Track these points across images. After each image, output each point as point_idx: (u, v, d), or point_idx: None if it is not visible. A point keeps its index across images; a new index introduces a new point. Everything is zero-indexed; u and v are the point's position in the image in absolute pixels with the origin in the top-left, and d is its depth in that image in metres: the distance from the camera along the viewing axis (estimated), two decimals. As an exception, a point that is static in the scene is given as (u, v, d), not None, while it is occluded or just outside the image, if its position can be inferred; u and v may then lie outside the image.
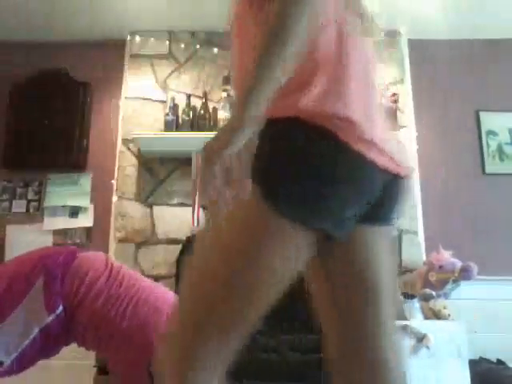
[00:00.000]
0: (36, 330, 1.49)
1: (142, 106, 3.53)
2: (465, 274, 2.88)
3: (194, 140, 3.05)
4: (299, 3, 0.81)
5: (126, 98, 3.55)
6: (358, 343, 0.99)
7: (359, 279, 0.99)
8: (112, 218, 3.38)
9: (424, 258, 3.22)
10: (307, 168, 0.83)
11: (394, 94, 3.36)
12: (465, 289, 2.96)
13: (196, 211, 2.85)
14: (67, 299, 1.51)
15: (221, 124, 3.21)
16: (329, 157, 0.83)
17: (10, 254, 3.18)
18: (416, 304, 2.79)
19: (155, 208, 3.35)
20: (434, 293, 2.83)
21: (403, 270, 3.22)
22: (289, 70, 0.83)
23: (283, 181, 0.83)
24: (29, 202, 3.45)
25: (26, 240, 3.29)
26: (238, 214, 0.86)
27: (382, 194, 0.92)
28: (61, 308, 1.50)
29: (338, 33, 0.93)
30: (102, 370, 2.68)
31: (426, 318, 2.79)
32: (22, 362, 1.52)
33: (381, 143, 0.89)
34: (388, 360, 0.99)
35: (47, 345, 1.54)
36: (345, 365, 1.01)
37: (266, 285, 0.85)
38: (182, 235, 3.19)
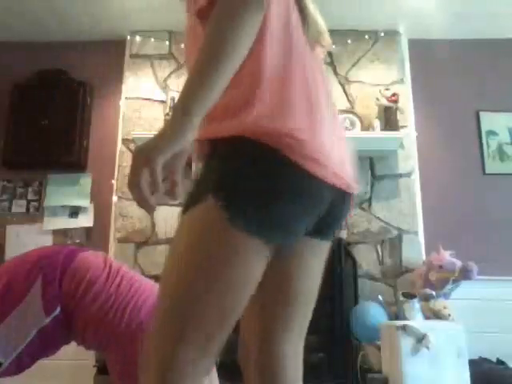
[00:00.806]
0: (34, 332, 1.48)
1: (142, 106, 3.53)
2: (465, 273, 2.88)
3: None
4: (235, 18, 0.82)
5: (126, 98, 3.55)
6: (261, 342, 1.02)
7: (285, 287, 1.01)
8: (112, 218, 3.38)
9: (424, 257, 3.22)
10: (259, 186, 0.84)
11: (394, 94, 3.36)
12: (465, 289, 2.96)
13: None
14: (65, 300, 1.50)
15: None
16: (278, 175, 0.84)
17: (10, 254, 3.17)
18: (416, 304, 2.78)
19: (155, 208, 3.34)
20: (434, 293, 2.83)
21: (403, 270, 3.23)
22: (227, 81, 0.82)
23: (238, 197, 0.84)
24: (29, 202, 3.45)
25: (26, 240, 3.29)
26: (193, 228, 0.86)
27: (328, 208, 0.93)
28: (58, 309, 1.49)
29: (282, 44, 0.92)
30: (101, 369, 2.69)
31: (426, 318, 2.79)
32: (21, 363, 1.51)
33: (329, 159, 0.89)
34: (285, 367, 1.01)
35: (46, 345, 1.54)
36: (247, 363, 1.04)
37: (232, 295, 0.86)
38: (182, 235, 3.19)
